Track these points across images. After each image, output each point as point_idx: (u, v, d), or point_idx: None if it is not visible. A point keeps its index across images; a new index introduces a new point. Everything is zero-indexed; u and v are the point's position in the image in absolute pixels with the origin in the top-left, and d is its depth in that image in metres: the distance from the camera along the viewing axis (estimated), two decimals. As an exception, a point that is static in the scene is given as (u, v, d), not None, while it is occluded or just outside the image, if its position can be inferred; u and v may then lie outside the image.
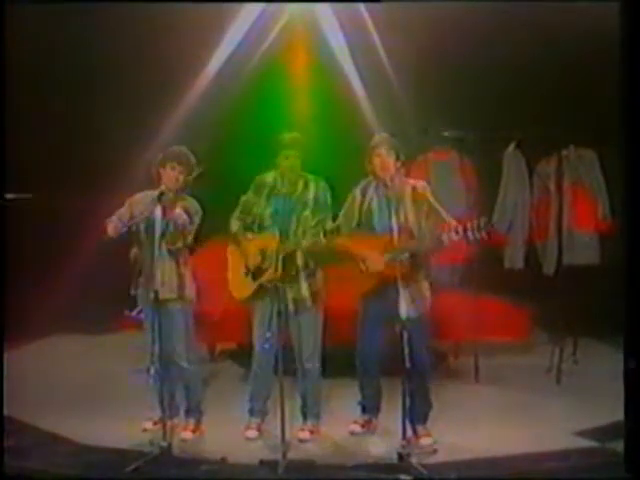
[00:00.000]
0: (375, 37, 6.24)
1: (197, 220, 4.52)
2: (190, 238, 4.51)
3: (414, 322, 4.24)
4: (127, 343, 5.98)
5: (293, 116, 6.25)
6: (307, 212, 4.52)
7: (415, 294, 4.35)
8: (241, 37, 6.31)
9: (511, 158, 6.89)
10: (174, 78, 6.30)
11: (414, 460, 4.10)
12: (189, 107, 6.41)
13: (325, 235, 4.41)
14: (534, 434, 4.58)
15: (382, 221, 4.38)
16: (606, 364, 5.49)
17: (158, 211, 4.39)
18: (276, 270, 4.43)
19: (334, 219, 4.56)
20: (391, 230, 4.25)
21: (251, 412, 4.70)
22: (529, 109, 6.25)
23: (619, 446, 4.13)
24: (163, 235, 4.41)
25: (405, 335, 4.07)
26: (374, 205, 4.47)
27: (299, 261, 4.50)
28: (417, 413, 4.48)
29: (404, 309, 4.12)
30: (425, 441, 4.48)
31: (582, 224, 6.74)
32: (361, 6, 6.17)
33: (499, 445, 4.43)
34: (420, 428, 4.52)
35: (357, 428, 4.70)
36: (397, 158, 4.42)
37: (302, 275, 4.51)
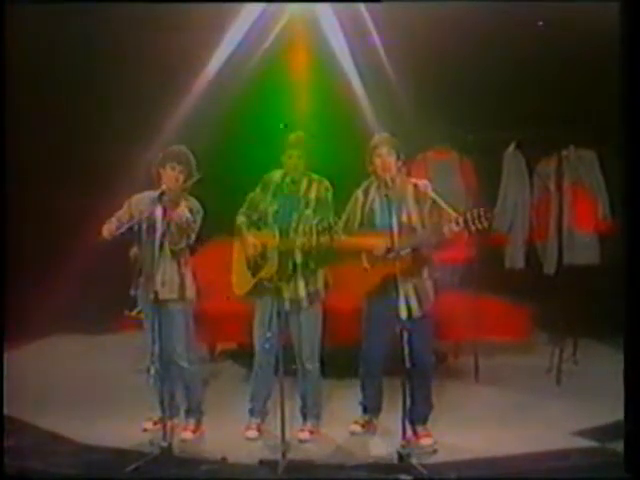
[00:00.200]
0: (375, 37, 6.24)
1: (199, 219, 4.52)
2: (193, 237, 4.51)
3: (417, 321, 4.24)
4: (127, 343, 5.98)
5: (293, 116, 6.25)
6: (308, 211, 4.52)
7: (419, 293, 4.35)
8: (241, 37, 6.31)
9: (511, 158, 6.89)
10: (174, 78, 6.30)
11: (414, 460, 4.11)
12: (189, 107, 6.41)
13: (326, 233, 4.40)
14: (534, 434, 4.58)
15: (384, 221, 4.37)
16: (606, 364, 5.49)
17: (159, 211, 4.39)
18: (273, 267, 4.44)
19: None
20: (392, 229, 4.25)
21: (251, 412, 4.71)
22: (529, 109, 6.24)
23: (619, 446, 4.13)
24: (164, 235, 4.41)
25: (405, 335, 4.06)
26: (376, 205, 4.47)
27: (297, 259, 4.50)
28: (417, 413, 4.48)
29: (404, 308, 4.12)
30: (425, 441, 4.48)
31: (582, 224, 6.73)
32: (361, 6, 6.16)
33: (499, 445, 4.43)
34: (420, 428, 4.52)
35: (357, 428, 4.69)
36: (398, 157, 4.42)
37: (300, 275, 4.52)
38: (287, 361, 4.31)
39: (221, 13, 6.05)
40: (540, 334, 6.35)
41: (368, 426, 4.71)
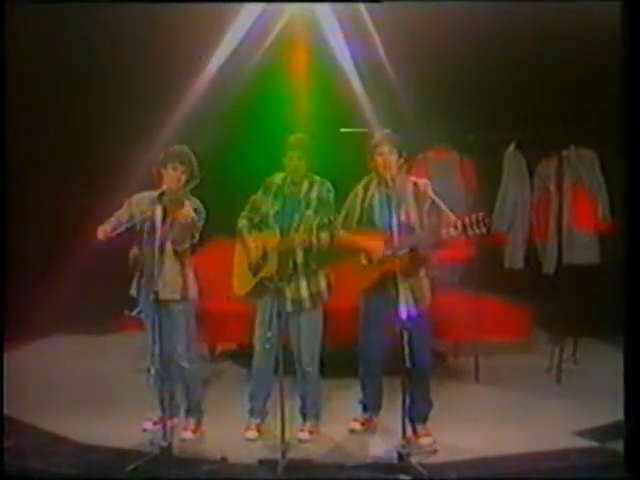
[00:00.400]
0: (375, 37, 6.24)
1: (202, 219, 4.51)
2: (197, 237, 4.50)
3: (414, 321, 4.24)
4: (127, 343, 5.98)
5: (293, 115, 6.25)
6: (309, 211, 4.52)
7: (416, 292, 4.36)
8: (241, 37, 6.31)
9: (511, 158, 6.89)
10: (174, 78, 6.29)
11: (414, 460, 4.11)
12: (189, 107, 6.40)
13: (326, 228, 4.40)
14: (534, 434, 4.58)
15: (383, 218, 4.39)
16: (606, 364, 5.50)
17: (159, 211, 4.38)
18: (274, 266, 4.43)
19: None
20: (391, 227, 4.26)
21: (251, 412, 4.71)
22: (529, 109, 6.24)
23: (619, 446, 4.13)
24: (165, 236, 4.39)
25: (405, 334, 4.07)
26: (375, 202, 4.48)
27: (299, 260, 4.50)
28: (417, 412, 4.49)
29: (404, 307, 4.12)
30: (425, 440, 4.48)
31: (582, 224, 6.73)
32: (361, 6, 6.16)
33: (499, 445, 4.44)
34: (420, 427, 4.52)
35: (357, 426, 4.70)
36: (399, 155, 4.42)
37: (302, 275, 4.52)
38: (287, 361, 4.30)
39: (221, 13, 6.05)
40: (540, 334, 6.36)
41: (368, 424, 4.71)
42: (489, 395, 5.39)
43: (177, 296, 4.47)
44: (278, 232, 4.50)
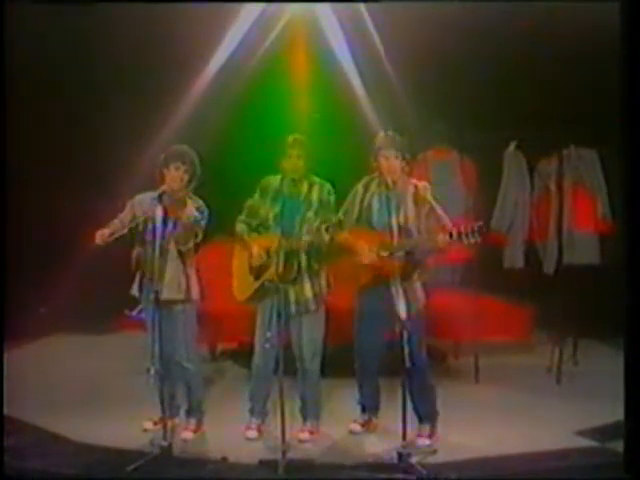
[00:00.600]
0: (375, 37, 6.24)
1: (205, 219, 4.50)
2: (200, 237, 4.49)
3: (409, 322, 4.24)
4: (127, 343, 5.99)
5: (293, 115, 6.25)
6: (311, 213, 4.51)
7: (409, 294, 4.36)
8: (241, 37, 6.30)
9: (511, 158, 6.89)
10: (174, 78, 6.29)
11: (414, 460, 4.11)
12: (189, 107, 6.40)
13: (327, 230, 4.39)
14: (534, 434, 4.58)
15: (381, 219, 4.39)
16: (606, 364, 5.49)
17: (160, 211, 4.36)
18: (277, 268, 4.43)
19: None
20: (390, 228, 4.26)
21: (251, 412, 4.71)
22: (529, 109, 6.24)
23: (619, 446, 4.13)
24: (167, 236, 4.38)
25: (405, 334, 4.07)
26: (374, 202, 4.47)
27: (302, 261, 4.49)
28: (416, 412, 4.48)
29: (402, 308, 4.12)
30: (425, 441, 4.48)
31: (582, 224, 6.73)
32: (361, 6, 6.16)
33: (499, 445, 4.44)
34: (420, 427, 4.52)
35: (357, 427, 4.70)
36: (403, 158, 4.42)
37: (305, 276, 4.51)
38: (287, 361, 4.30)
39: (221, 13, 6.04)
40: (540, 334, 6.35)
41: (368, 425, 4.71)
42: (489, 395, 5.39)
43: (180, 296, 4.47)
44: (280, 234, 4.49)
